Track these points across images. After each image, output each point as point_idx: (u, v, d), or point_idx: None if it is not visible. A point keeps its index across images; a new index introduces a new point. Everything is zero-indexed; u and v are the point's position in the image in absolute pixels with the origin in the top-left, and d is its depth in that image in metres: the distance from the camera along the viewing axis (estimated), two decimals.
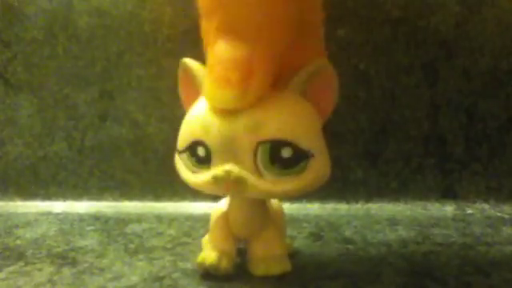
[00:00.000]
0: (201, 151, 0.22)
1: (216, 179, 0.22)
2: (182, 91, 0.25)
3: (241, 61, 0.21)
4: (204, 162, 0.22)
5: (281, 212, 0.27)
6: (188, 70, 0.24)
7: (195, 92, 0.24)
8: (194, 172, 0.23)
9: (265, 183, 0.22)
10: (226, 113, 0.22)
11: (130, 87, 0.40)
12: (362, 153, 0.38)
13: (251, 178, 0.21)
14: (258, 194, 0.22)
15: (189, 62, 0.24)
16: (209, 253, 0.25)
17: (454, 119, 0.37)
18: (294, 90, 0.22)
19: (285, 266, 0.25)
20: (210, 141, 0.22)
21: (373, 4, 0.37)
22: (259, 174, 0.22)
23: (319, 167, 0.22)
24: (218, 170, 0.22)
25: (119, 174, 0.40)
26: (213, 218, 0.28)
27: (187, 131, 0.23)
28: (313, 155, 0.22)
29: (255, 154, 0.21)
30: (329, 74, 0.23)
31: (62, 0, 0.40)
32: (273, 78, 0.22)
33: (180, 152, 0.24)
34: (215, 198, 0.28)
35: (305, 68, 0.22)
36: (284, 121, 0.22)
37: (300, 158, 0.22)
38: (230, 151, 0.22)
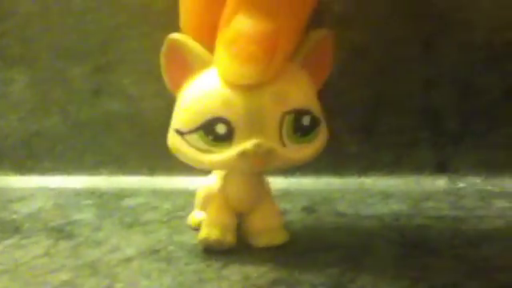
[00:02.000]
0: (221, 128, 0.22)
1: (245, 154, 0.21)
2: (170, 69, 0.23)
3: (266, 35, 0.20)
4: (224, 139, 0.22)
5: (268, 183, 0.27)
6: (179, 46, 0.23)
7: (187, 70, 0.23)
8: (207, 151, 0.22)
9: (288, 152, 0.22)
10: (249, 87, 0.21)
11: (124, 61, 0.40)
12: (356, 127, 0.38)
13: (278, 149, 0.22)
14: (283, 163, 0.23)
15: (181, 37, 0.23)
16: (211, 228, 0.25)
17: (448, 93, 0.37)
18: (296, 60, 0.23)
19: (284, 236, 0.26)
20: (234, 116, 0.22)
21: None
22: (283, 144, 0.22)
23: (324, 133, 0.24)
24: (245, 144, 0.21)
25: (114, 148, 0.40)
26: (203, 195, 0.28)
27: (200, 109, 0.22)
28: (321, 122, 0.23)
29: (281, 125, 0.22)
30: (328, 44, 0.24)
31: None
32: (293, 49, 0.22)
33: (186, 133, 0.23)
34: (209, 173, 0.28)
35: (309, 38, 0.23)
36: (301, 90, 0.23)
37: (315, 125, 0.23)
38: (255, 125, 0.22)
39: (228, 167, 0.23)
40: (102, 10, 0.39)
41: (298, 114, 0.22)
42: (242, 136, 0.22)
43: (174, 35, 0.23)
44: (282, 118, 0.22)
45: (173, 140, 0.24)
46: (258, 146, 0.21)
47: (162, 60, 0.23)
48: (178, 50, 0.23)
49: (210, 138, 0.22)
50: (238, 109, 0.21)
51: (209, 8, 0.24)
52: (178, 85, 0.23)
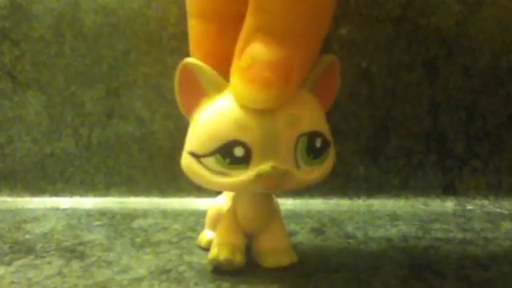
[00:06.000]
0: (238, 151, 0.22)
1: (261, 176, 0.22)
2: (183, 93, 0.23)
3: (280, 61, 0.21)
4: (241, 161, 0.22)
5: (278, 204, 0.28)
6: (193, 71, 0.23)
7: (200, 93, 0.23)
8: (222, 174, 0.22)
9: (301, 174, 0.23)
10: (264, 111, 0.22)
11: (135, 85, 0.40)
12: (364, 149, 0.39)
13: (293, 171, 0.22)
14: (296, 184, 0.23)
15: (194, 62, 0.23)
16: (220, 248, 0.25)
17: (454, 116, 0.38)
18: (306, 85, 0.23)
19: (293, 257, 0.26)
20: (251, 139, 0.22)
21: (374, 3, 0.38)
22: (297, 166, 0.23)
23: (333, 154, 0.24)
24: (262, 167, 0.22)
25: (125, 170, 0.41)
26: (213, 214, 0.28)
27: (216, 133, 0.22)
28: (331, 144, 0.24)
29: (295, 147, 0.22)
30: (335, 70, 0.24)
31: None
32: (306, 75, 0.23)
33: (201, 156, 0.23)
34: (218, 193, 0.29)
35: (318, 64, 0.23)
36: (313, 113, 0.23)
37: (325, 147, 0.23)
38: (271, 147, 0.22)
39: (243, 189, 0.23)
40: (113, 35, 0.40)
41: (312, 136, 0.23)
42: (259, 159, 0.22)
43: (188, 60, 0.23)
44: (297, 141, 0.22)
45: (186, 162, 0.23)
46: (274, 168, 0.22)
47: (176, 84, 0.23)
48: (191, 74, 0.23)
49: (227, 160, 0.22)
50: (254, 132, 0.22)
51: (218, 36, 0.25)
52: (192, 108, 0.23)
